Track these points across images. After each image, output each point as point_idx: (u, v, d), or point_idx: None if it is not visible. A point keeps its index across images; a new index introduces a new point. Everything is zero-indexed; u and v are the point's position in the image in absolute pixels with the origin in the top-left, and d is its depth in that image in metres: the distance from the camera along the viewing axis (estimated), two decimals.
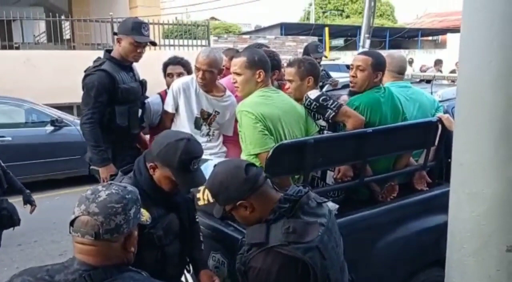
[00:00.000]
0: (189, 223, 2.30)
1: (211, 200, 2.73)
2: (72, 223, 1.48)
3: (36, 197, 5.24)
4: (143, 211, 1.69)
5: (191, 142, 2.06)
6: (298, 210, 1.77)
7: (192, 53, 11.52)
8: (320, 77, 3.09)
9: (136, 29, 3.16)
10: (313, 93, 2.90)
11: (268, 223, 1.76)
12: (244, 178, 1.79)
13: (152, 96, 3.55)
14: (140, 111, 3.35)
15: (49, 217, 5.39)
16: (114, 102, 3.14)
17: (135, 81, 3.32)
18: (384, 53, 3.39)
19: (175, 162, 1.99)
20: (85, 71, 3.21)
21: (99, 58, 3.27)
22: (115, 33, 3.31)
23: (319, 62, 4.25)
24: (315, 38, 17.00)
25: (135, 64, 3.37)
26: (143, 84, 3.41)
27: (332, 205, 2.34)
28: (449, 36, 24.36)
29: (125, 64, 3.26)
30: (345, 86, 4.36)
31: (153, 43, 3.37)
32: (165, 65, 3.67)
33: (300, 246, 1.69)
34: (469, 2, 1.94)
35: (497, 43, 1.83)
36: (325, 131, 2.91)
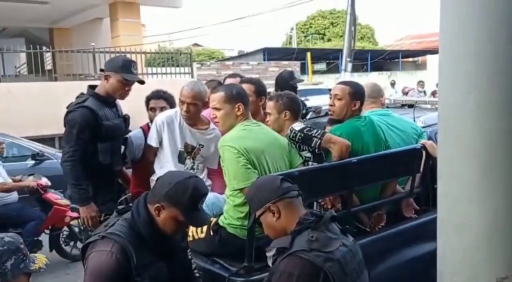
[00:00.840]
0: (185, 274, 2.20)
1: (196, 237, 2.72)
2: None
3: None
4: (39, 257, 1.66)
5: (199, 180, 2.09)
6: (323, 225, 1.84)
7: (176, 81, 11.55)
8: (299, 111, 3.12)
9: (126, 67, 3.14)
10: (297, 126, 2.92)
11: (293, 234, 1.84)
12: (278, 185, 1.95)
13: (134, 130, 3.50)
14: (122, 147, 3.30)
15: None
16: (96, 139, 3.08)
17: (118, 117, 3.27)
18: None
19: (185, 200, 1.96)
20: (67, 107, 3.15)
21: (82, 94, 3.21)
22: (102, 70, 3.26)
23: (296, 88, 4.29)
24: (298, 63, 17.20)
25: (118, 100, 3.31)
26: (126, 120, 3.36)
27: None
28: (429, 58, 24.89)
29: (109, 101, 3.21)
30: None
31: (141, 82, 3.28)
32: (148, 99, 3.61)
33: (321, 254, 1.74)
34: (445, 34, 1.96)
35: (475, 74, 1.84)
36: (310, 163, 2.90)
